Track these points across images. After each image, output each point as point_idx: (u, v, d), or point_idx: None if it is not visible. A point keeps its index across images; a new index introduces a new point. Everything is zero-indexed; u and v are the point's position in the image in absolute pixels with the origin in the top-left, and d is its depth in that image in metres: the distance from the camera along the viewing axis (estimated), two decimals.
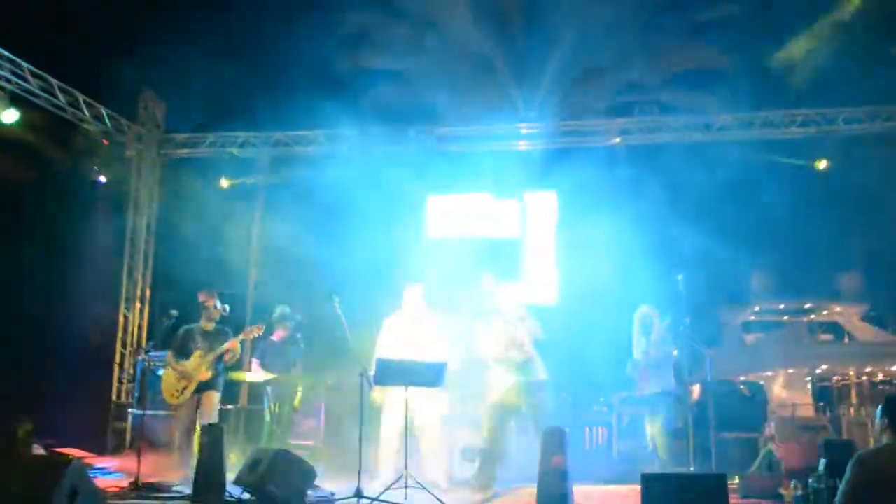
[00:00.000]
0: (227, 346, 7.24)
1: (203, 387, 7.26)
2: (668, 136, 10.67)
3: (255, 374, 8.58)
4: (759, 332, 10.51)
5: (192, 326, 7.43)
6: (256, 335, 7.38)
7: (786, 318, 10.25)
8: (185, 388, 7.20)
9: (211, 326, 7.40)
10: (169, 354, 7.36)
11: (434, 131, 11.24)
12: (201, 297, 7.40)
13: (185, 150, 11.64)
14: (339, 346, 7.13)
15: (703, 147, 10.73)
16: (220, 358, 7.26)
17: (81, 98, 10.29)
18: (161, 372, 7.61)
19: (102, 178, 10.66)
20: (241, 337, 7.30)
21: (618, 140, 10.85)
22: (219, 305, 7.41)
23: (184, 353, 7.30)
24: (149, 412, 8.24)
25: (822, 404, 9.18)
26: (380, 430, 7.28)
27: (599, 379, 9.52)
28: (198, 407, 7.24)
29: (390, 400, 7.19)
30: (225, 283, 9.84)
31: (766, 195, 10.06)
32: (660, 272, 9.27)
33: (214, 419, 7.26)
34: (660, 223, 10.27)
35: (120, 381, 10.80)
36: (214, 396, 7.33)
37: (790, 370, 9.53)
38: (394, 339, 7.34)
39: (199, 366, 7.21)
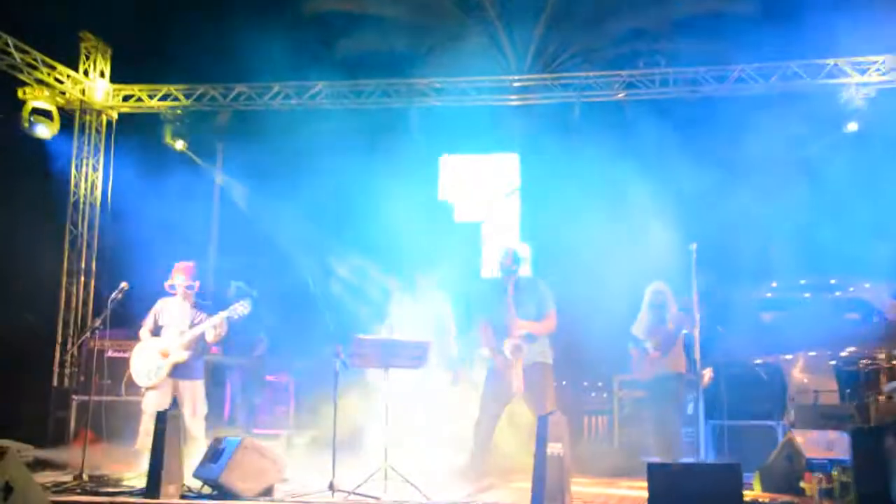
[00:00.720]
0: (209, 322, 7.18)
1: (182, 373, 7.19)
2: (678, 90, 10.56)
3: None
4: (777, 310, 10.55)
5: (167, 300, 7.38)
6: (243, 313, 7.26)
7: (808, 295, 10.29)
8: (160, 368, 7.13)
9: (188, 301, 7.35)
10: (140, 331, 7.29)
11: (414, 84, 11.09)
12: (177, 269, 7.32)
13: (135, 104, 11.43)
14: (311, 324, 7.09)
15: (716, 102, 10.67)
16: (201, 336, 7.21)
17: (11, 42, 9.95)
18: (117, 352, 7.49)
19: (43, 133, 10.40)
20: (226, 314, 7.17)
21: (622, 95, 10.77)
22: (194, 279, 7.35)
23: (157, 330, 7.27)
24: (96, 398, 8.15)
25: (847, 391, 9.23)
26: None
27: (595, 361, 9.53)
28: (173, 393, 7.17)
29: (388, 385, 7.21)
30: (183, 253, 9.74)
31: (787, 156, 10.03)
32: (666, 242, 9.26)
33: (202, 415, 7.22)
34: (665, 188, 10.22)
35: (62, 365, 10.69)
36: (199, 388, 7.27)
37: (812, 353, 9.56)
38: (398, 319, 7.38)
39: (174, 343, 7.16)
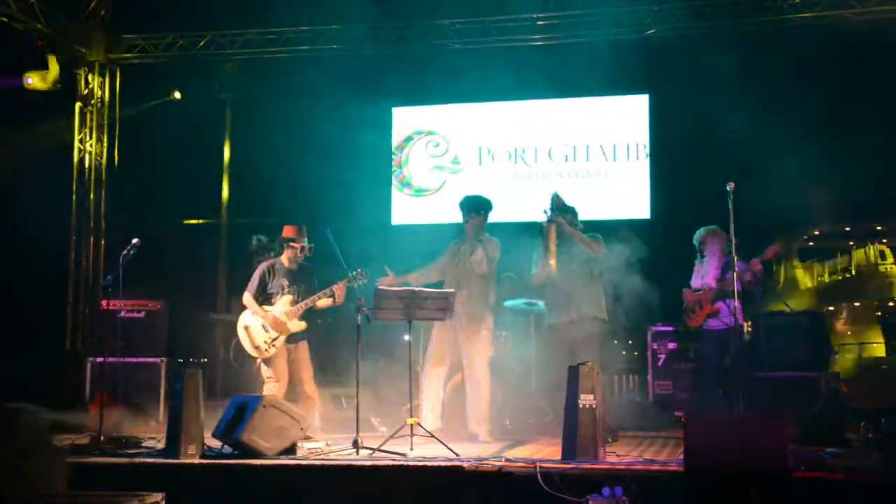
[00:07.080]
0: (328, 290, 7.14)
1: (294, 337, 7.23)
2: (718, 23, 10.35)
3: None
4: (818, 258, 10.45)
5: (274, 264, 7.31)
6: (362, 282, 7.11)
7: (852, 242, 10.18)
8: (275, 339, 7.11)
9: (295, 266, 7.31)
10: (248, 297, 7.21)
11: (433, 25, 10.94)
12: (287, 233, 7.25)
13: (139, 54, 11.38)
14: (330, 278, 7.12)
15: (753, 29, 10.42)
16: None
17: None
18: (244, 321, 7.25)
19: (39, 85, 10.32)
20: (345, 283, 7.10)
21: (651, 32, 10.59)
22: (307, 243, 7.28)
23: (266, 296, 7.20)
24: (111, 360, 8.23)
25: (894, 343, 9.18)
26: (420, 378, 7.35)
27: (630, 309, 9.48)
28: (287, 357, 7.20)
29: (433, 341, 7.32)
30: (193, 209, 9.81)
31: (832, 87, 9.72)
32: (695, 181, 9.14)
33: (311, 374, 7.30)
34: (694, 120, 10.01)
35: (74, 328, 10.82)
36: (306, 348, 7.32)
37: (856, 303, 9.51)
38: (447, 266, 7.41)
39: (290, 313, 7.13)
